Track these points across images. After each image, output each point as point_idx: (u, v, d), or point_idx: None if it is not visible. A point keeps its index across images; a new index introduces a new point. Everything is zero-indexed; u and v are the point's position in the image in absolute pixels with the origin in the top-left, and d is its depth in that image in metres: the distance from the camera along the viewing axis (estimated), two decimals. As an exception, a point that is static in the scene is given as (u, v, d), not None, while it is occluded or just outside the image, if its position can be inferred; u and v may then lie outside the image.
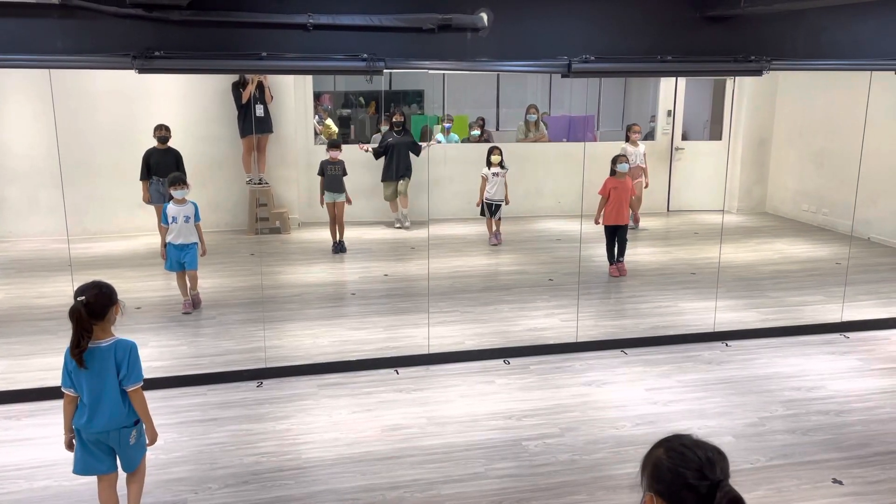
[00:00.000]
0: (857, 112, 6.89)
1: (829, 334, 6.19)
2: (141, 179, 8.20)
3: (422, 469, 4.14)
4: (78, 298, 3.19)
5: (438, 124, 10.98)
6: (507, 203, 9.16)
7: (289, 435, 4.52)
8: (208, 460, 4.24)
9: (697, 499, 1.72)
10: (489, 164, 9.04)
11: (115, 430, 3.35)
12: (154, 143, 8.21)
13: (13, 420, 4.70)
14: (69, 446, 3.43)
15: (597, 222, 7.84)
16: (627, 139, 9.75)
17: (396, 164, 9.66)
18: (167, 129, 8.19)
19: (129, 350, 3.33)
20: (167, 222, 6.51)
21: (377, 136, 11.13)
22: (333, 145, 8.91)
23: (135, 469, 3.52)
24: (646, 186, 9.77)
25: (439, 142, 10.62)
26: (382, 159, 9.84)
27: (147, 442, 3.53)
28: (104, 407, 3.30)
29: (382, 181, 9.83)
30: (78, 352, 3.19)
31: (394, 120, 9.77)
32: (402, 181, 9.73)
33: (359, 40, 4.67)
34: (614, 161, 7.81)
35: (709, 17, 5.20)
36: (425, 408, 4.88)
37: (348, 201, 8.85)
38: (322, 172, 8.81)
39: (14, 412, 4.79)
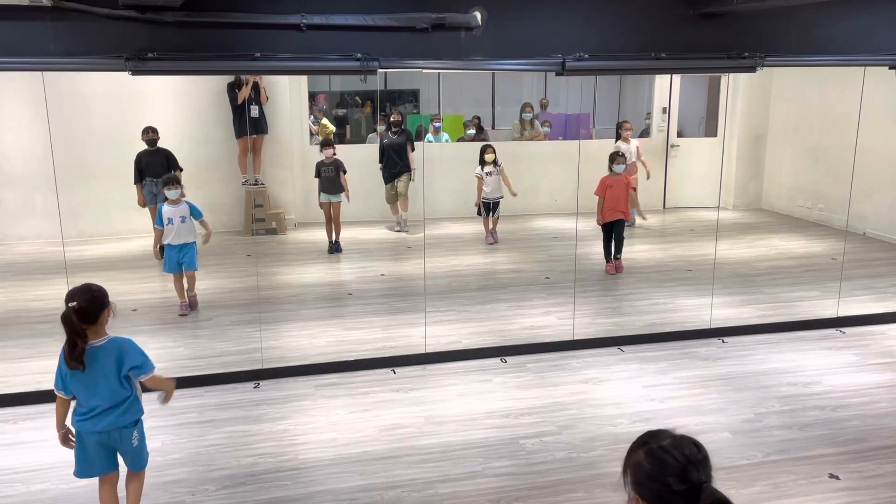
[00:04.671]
0: (851, 107, 6.90)
1: (826, 329, 6.20)
2: (134, 183, 8.19)
3: (419, 468, 4.14)
4: (69, 304, 3.16)
5: (429, 124, 10.97)
6: (514, 195, 9.11)
7: (286, 436, 4.52)
8: (205, 462, 4.23)
9: (682, 502, 1.72)
10: (483, 163, 9.04)
11: (117, 430, 3.34)
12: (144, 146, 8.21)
13: (10, 423, 4.69)
14: (65, 440, 3.42)
15: (599, 223, 7.81)
16: (619, 136, 9.73)
17: (393, 164, 9.64)
18: (155, 130, 8.18)
19: (129, 345, 3.33)
20: (161, 224, 6.50)
21: (373, 136, 11.13)
22: (326, 144, 8.89)
23: (143, 467, 3.54)
24: (647, 177, 9.73)
25: (429, 141, 10.62)
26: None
27: (165, 397, 3.56)
28: (103, 407, 3.28)
29: (385, 184, 9.80)
30: (74, 356, 3.17)
31: (391, 119, 9.76)
32: (401, 179, 9.70)
33: (353, 40, 4.67)
34: (612, 159, 7.78)
35: (702, 13, 5.20)
36: (423, 407, 4.88)
37: (347, 198, 8.80)
38: (318, 174, 8.81)
39: (10, 416, 4.78)
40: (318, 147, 9.66)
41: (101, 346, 3.27)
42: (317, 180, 8.84)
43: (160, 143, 8.21)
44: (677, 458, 1.74)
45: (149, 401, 3.51)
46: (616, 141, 9.63)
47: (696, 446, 1.78)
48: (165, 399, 3.57)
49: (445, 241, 9.26)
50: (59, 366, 3.30)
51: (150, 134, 8.15)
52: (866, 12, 5.47)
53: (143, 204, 8.25)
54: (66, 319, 3.16)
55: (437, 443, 4.41)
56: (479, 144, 9.57)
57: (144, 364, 3.35)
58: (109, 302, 3.30)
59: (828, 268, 7.91)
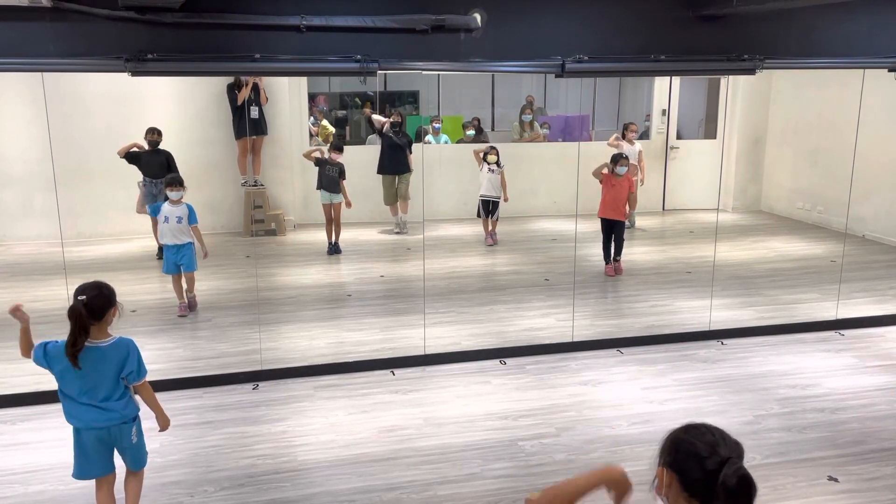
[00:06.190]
0: (850, 110, 6.90)
1: (824, 332, 6.21)
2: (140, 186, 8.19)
3: (418, 470, 4.14)
4: (78, 297, 3.19)
5: (429, 125, 10.97)
6: (506, 200, 9.16)
7: (285, 437, 4.52)
8: (204, 463, 4.23)
9: (704, 473, 1.75)
10: (486, 160, 9.04)
11: (117, 426, 3.35)
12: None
13: (8, 424, 4.69)
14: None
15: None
16: (623, 137, 9.72)
17: (392, 159, 9.66)
18: (159, 133, 8.17)
19: (132, 347, 3.35)
20: (155, 214, 6.53)
21: (373, 137, 11.13)
22: (337, 148, 8.87)
23: (143, 466, 3.55)
24: (641, 184, 9.73)
25: (428, 142, 10.63)
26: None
27: (160, 428, 3.54)
28: (104, 404, 3.30)
29: (378, 173, 9.78)
30: (73, 351, 3.18)
31: (391, 121, 9.77)
32: (401, 179, 9.70)
33: (352, 42, 4.67)
34: (615, 161, 7.73)
35: (702, 16, 5.21)
36: (422, 409, 4.88)
37: (348, 205, 8.82)
38: (320, 168, 8.79)
39: (9, 416, 4.78)
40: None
41: (108, 347, 3.28)
42: (317, 172, 8.83)
43: (161, 145, 8.21)
44: (714, 434, 1.82)
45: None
46: (622, 139, 9.59)
47: (739, 444, 1.84)
48: (160, 423, 3.55)
49: (445, 242, 9.26)
50: (47, 353, 3.29)
51: (154, 136, 8.13)
52: (865, 15, 5.48)
53: (141, 210, 8.23)
54: (75, 312, 3.16)
55: (436, 444, 4.41)
56: (479, 146, 9.56)
57: (138, 371, 3.37)
58: (117, 302, 3.31)
59: (827, 270, 7.91)
